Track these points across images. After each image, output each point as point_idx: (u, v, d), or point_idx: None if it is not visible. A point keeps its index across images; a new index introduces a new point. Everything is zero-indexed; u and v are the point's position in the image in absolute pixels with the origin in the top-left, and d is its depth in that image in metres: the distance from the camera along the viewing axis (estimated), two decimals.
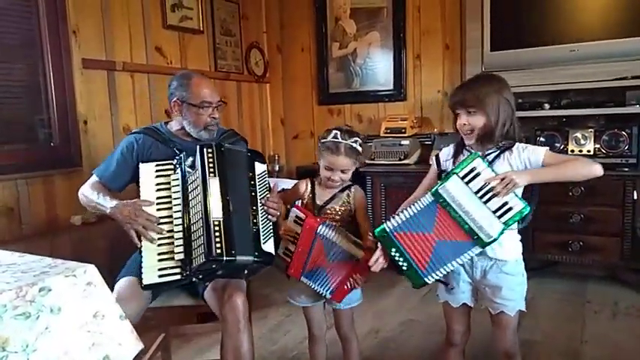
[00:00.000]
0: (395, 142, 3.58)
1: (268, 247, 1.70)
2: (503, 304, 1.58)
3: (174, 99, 1.91)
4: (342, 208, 1.77)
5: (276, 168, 4.25)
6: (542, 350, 2.32)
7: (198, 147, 1.70)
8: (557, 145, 3.07)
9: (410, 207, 1.51)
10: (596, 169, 1.47)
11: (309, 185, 1.83)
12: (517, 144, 1.56)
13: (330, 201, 1.78)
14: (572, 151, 3.03)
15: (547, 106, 3.19)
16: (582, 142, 3.02)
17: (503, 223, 1.44)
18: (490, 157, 1.55)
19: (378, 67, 3.98)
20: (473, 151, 1.57)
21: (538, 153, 1.52)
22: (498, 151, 1.55)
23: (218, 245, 1.55)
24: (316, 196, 1.81)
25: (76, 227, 2.50)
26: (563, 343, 2.38)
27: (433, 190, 1.49)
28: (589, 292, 3.01)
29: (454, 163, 1.62)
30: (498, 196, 1.42)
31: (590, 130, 3.03)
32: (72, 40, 2.74)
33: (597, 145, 3.00)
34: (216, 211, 1.59)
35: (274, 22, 4.36)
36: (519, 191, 1.49)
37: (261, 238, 1.68)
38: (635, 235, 2.83)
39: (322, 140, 1.75)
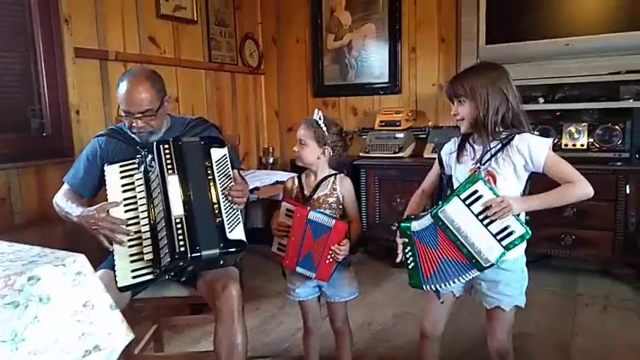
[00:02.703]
0: (389, 135, 3.58)
1: (236, 234, 1.64)
2: (498, 298, 1.56)
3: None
4: (330, 197, 1.78)
5: (270, 160, 4.24)
6: (533, 343, 2.34)
7: (154, 144, 1.67)
8: (551, 139, 3.07)
9: (420, 219, 1.53)
10: (589, 193, 1.48)
11: (296, 180, 1.86)
12: (518, 136, 1.50)
13: (316, 189, 1.79)
14: (566, 145, 3.04)
15: (541, 99, 3.19)
16: (576, 136, 3.03)
17: (504, 247, 1.44)
18: (493, 151, 1.52)
19: (373, 59, 3.96)
20: (475, 145, 1.57)
21: (540, 153, 1.47)
22: (501, 145, 1.52)
23: (182, 243, 1.54)
24: (304, 188, 1.83)
25: (74, 221, 2.51)
26: (554, 336, 2.39)
27: (433, 212, 1.49)
28: (581, 286, 3.03)
29: (458, 156, 1.61)
30: (494, 218, 1.43)
31: (583, 124, 3.04)
32: (64, 29, 2.71)
33: (591, 140, 3.00)
34: (176, 208, 1.58)
35: (269, 13, 4.33)
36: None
37: (227, 227, 1.62)
38: (628, 229, 2.84)
39: None
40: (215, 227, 1.62)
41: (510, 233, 1.43)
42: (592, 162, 2.92)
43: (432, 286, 1.54)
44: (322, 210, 1.73)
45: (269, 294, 2.94)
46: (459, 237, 1.46)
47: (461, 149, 1.61)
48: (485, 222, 1.44)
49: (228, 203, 1.68)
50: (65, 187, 1.91)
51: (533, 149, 1.48)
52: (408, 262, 1.55)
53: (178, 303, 1.94)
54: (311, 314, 1.89)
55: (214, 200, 1.65)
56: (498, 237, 1.44)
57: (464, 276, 1.50)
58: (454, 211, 1.46)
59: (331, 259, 1.68)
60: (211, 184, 1.67)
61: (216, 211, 1.64)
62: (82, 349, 1.09)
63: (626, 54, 3.00)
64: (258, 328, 2.54)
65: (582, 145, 3.01)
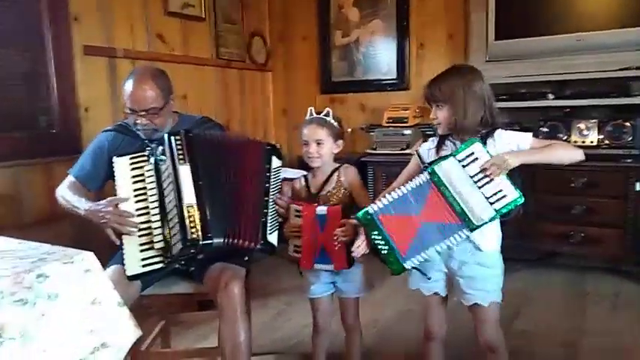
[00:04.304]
0: (397, 132, 3.56)
1: (272, 238, 1.74)
2: (475, 294, 1.58)
3: None
4: (336, 190, 1.78)
5: None
6: (541, 341, 2.33)
7: (165, 135, 1.71)
8: (561, 135, 3.05)
9: (401, 187, 1.53)
10: (579, 154, 1.53)
11: (303, 181, 1.87)
12: (498, 130, 1.56)
13: (323, 186, 1.80)
14: (576, 142, 3.01)
15: (551, 96, 3.16)
16: (585, 132, 3.00)
17: (496, 210, 1.45)
18: None
19: (381, 55, 3.95)
20: (457, 142, 1.58)
21: (524, 139, 1.54)
22: (482, 139, 1.55)
23: (193, 230, 1.57)
24: (310, 187, 1.83)
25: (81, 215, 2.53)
26: (562, 335, 2.38)
27: (430, 168, 1.50)
28: (589, 284, 3.01)
29: (437, 152, 1.63)
30: (491, 177, 1.44)
31: (593, 120, 3.00)
32: (73, 27, 2.73)
33: (601, 136, 2.97)
34: (188, 196, 1.61)
35: (277, 10, 4.32)
36: None
37: (268, 227, 1.72)
38: (637, 226, 2.81)
39: None
40: (258, 223, 1.71)
41: (503, 197, 1.45)
42: (602, 159, 2.89)
43: (413, 261, 1.51)
44: (327, 203, 1.73)
45: (277, 291, 2.95)
46: (454, 194, 1.47)
47: (440, 145, 1.64)
48: (479, 184, 1.46)
49: (273, 209, 1.77)
50: (70, 179, 1.92)
51: (518, 138, 1.54)
52: (379, 247, 1.52)
53: (186, 299, 1.96)
54: (322, 312, 1.89)
55: (265, 199, 1.74)
56: (491, 200, 1.45)
57: (450, 238, 1.48)
58: (450, 169, 1.48)
59: (339, 244, 1.67)
60: (266, 184, 1.76)
61: (265, 210, 1.73)
62: (90, 346, 1.11)
63: (637, 49, 2.96)
64: (266, 325, 2.55)
65: (592, 142, 2.98)
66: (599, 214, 2.91)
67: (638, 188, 2.79)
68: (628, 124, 2.91)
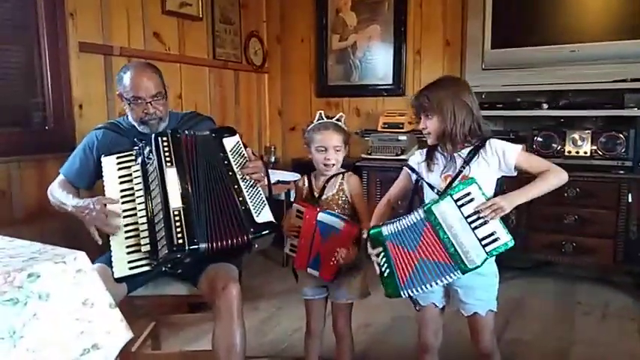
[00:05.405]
0: (392, 138, 3.56)
1: (264, 217, 1.68)
2: (474, 304, 1.59)
3: (118, 92, 1.90)
4: (337, 196, 1.78)
5: (272, 159, 4.23)
6: (531, 350, 2.33)
7: (152, 136, 1.70)
8: (554, 145, 3.06)
9: (399, 220, 1.52)
10: (565, 177, 1.55)
11: (306, 180, 1.85)
12: (489, 140, 1.58)
13: (324, 190, 1.78)
14: (569, 152, 3.02)
15: (545, 106, 3.17)
16: (579, 143, 3.01)
17: (487, 252, 1.45)
18: (466, 157, 1.57)
19: (377, 61, 3.95)
20: (446, 153, 1.60)
21: (511, 151, 1.54)
22: (474, 150, 1.57)
23: (179, 235, 1.55)
24: (313, 189, 1.82)
25: (68, 212, 2.49)
26: (552, 344, 2.39)
27: (427, 207, 1.49)
28: (580, 294, 3.02)
29: (428, 165, 1.64)
30: (486, 220, 1.44)
31: (587, 131, 3.02)
32: (69, 23, 2.71)
33: (594, 147, 2.98)
34: (175, 200, 1.60)
35: (274, 12, 4.32)
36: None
37: (253, 212, 1.66)
38: (629, 237, 2.83)
39: (308, 128, 1.81)
40: (242, 214, 1.64)
41: (496, 239, 1.45)
42: (595, 170, 2.91)
43: (410, 292, 1.51)
44: (333, 212, 1.72)
45: (267, 294, 2.94)
46: (450, 235, 1.46)
47: (430, 158, 1.65)
48: (473, 225, 1.45)
49: (251, 188, 1.71)
50: (60, 177, 1.92)
51: (506, 149, 1.55)
52: (383, 269, 1.52)
53: (177, 301, 1.94)
54: (315, 314, 1.88)
55: (236, 187, 1.68)
56: (483, 242, 1.45)
57: (444, 278, 1.48)
58: (447, 209, 1.47)
59: (335, 261, 1.67)
60: (230, 173, 1.70)
61: (240, 199, 1.66)
62: (81, 348, 1.09)
63: (631, 62, 2.99)
64: (255, 329, 2.53)
65: (585, 153, 3.00)
66: (591, 225, 2.92)
67: (629, 199, 2.81)
68: (621, 135, 2.92)
